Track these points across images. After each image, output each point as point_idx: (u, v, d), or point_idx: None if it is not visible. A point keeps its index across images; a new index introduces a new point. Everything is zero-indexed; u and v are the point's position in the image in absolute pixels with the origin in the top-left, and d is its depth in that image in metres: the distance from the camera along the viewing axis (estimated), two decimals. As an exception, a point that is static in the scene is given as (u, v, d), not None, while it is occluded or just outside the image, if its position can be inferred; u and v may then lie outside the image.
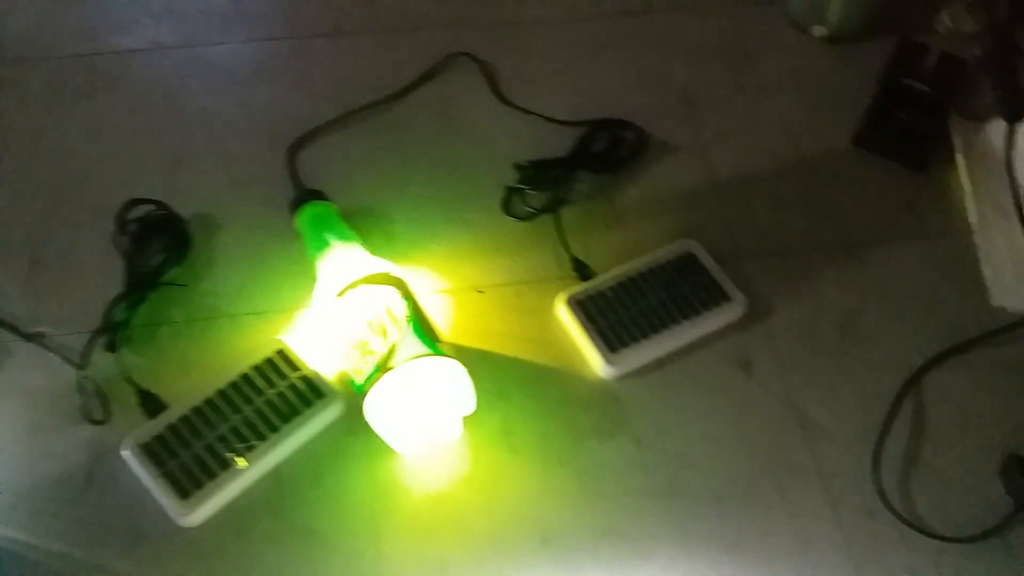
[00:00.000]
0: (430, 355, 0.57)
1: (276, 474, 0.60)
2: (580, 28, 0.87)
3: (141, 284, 0.66)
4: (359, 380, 0.58)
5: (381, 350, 0.57)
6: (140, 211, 0.70)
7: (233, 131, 0.78)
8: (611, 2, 0.88)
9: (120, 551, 0.57)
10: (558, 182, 0.74)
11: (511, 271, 0.70)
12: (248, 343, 0.65)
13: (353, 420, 0.62)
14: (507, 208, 0.73)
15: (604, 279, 0.67)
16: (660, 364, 0.65)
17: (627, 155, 0.76)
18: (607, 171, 0.76)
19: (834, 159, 0.78)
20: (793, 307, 0.69)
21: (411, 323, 0.59)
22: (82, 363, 0.63)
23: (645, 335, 0.64)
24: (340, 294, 0.60)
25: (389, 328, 0.58)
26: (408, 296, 0.61)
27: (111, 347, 0.63)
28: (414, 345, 0.57)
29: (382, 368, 0.56)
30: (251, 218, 0.73)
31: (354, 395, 0.61)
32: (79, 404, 0.62)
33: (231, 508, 0.58)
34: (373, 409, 0.57)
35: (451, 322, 0.67)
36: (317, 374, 0.63)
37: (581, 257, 0.69)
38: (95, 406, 0.62)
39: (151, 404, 0.61)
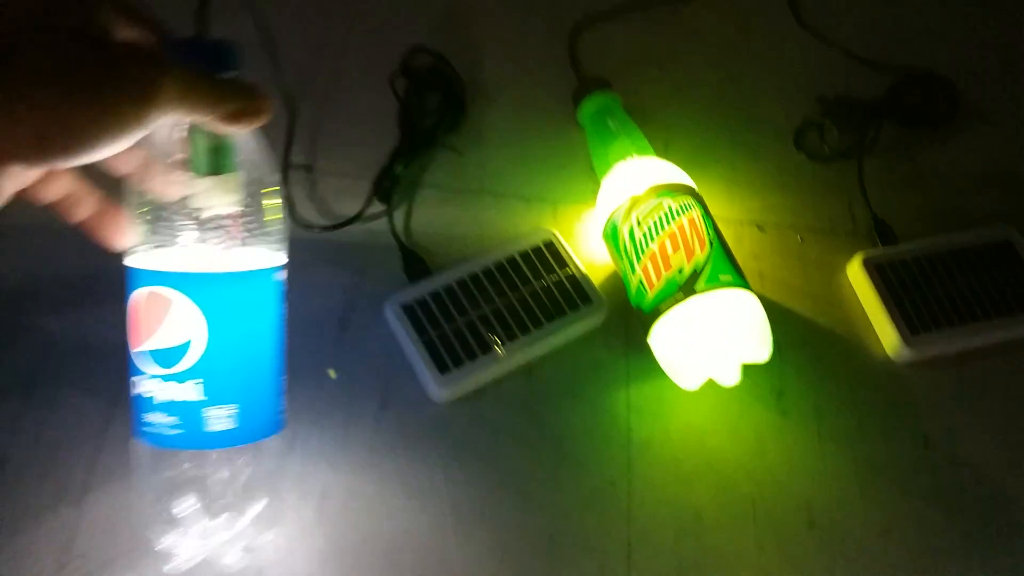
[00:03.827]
0: (742, 287, 0.52)
1: (528, 371, 0.56)
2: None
3: (418, 140, 0.62)
4: (651, 293, 0.53)
5: (683, 267, 0.52)
6: (421, 61, 0.66)
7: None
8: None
9: (366, 411, 0.54)
10: (865, 126, 0.66)
11: (796, 213, 0.64)
12: (513, 227, 0.61)
13: (610, 335, 0.58)
14: (800, 143, 0.67)
15: (908, 247, 0.60)
16: (959, 359, 0.59)
17: (940, 115, 0.68)
18: (916, 127, 0.68)
19: None
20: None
21: (715, 244, 0.54)
22: (364, 208, 0.60)
23: (951, 322, 0.57)
24: (637, 199, 0.55)
25: (695, 244, 0.53)
26: (708, 216, 0.56)
27: (385, 199, 0.60)
28: (720, 271, 0.52)
29: (683, 288, 0.52)
30: (524, 97, 0.67)
31: (621, 306, 0.57)
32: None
33: (480, 394, 0.55)
34: (665, 331, 0.52)
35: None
36: (586, 275, 0.58)
37: (879, 216, 0.63)
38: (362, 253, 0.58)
39: (415, 267, 0.58)
